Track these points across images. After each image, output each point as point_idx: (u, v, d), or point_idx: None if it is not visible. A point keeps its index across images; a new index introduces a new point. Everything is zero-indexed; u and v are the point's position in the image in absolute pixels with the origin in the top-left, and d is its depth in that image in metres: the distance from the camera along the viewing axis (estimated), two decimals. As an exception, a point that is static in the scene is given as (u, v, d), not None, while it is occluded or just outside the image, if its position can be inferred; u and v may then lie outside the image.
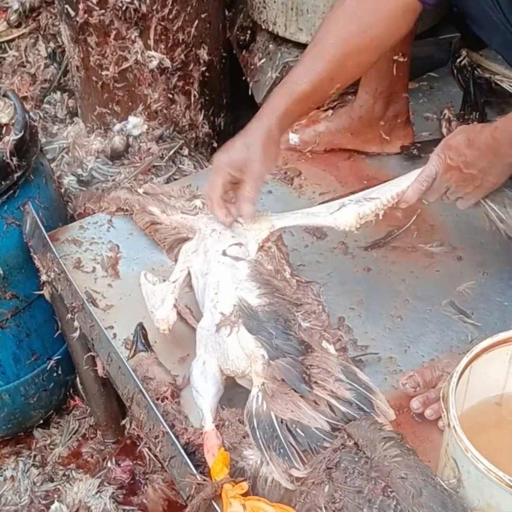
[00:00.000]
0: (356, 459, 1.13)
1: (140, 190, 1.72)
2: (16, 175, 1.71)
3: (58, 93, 2.49)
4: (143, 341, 1.47)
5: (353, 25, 1.42)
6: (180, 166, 2.22)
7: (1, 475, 2.07)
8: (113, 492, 2.00)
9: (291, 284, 1.45)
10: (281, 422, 1.20)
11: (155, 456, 1.85)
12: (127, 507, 1.99)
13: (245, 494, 1.16)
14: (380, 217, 1.46)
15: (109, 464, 2.07)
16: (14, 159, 1.69)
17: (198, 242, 1.49)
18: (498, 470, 1.02)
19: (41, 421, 2.15)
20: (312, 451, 1.17)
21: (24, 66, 2.51)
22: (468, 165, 1.41)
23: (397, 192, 1.46)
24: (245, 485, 1.16)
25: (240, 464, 1.23)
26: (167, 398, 1.36)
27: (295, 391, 1.23)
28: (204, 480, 1.19)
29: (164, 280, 1.55)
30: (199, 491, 1.17)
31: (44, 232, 1.68)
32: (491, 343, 1.18)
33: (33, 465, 2.09)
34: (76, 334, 1.65)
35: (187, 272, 1.49)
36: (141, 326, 1.49)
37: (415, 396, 1.38)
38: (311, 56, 1.45)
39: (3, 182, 1.70)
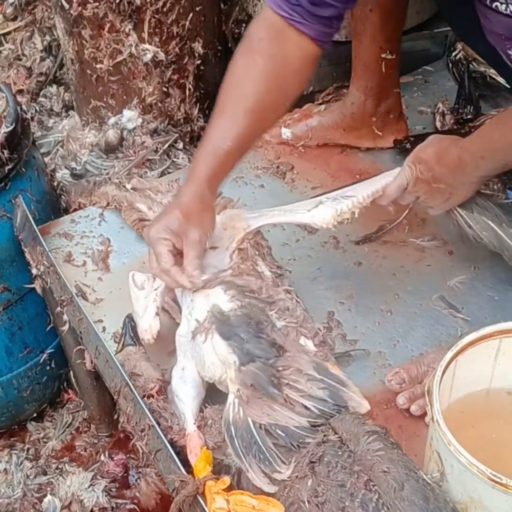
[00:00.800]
0: (340, 453, 1.13)
1: (128, 186, 1.72)
2: (7, 168, 1.72)
3: (54, 86, 2.48)
4: (132, 334, 1.45)
5: (266, 82, 1.40)
6: (174, 159, 2.22)
7: (-6, 468, 2.08)
8: (106, 486, 2.01)
9: (265, 278, 1.43)
10: (260, 427, 1.20)
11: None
12: (119, 501, 2.00)
13: (228, 489, 1.16)
14: (356, 215, 1.47)
15: (102, 458, 2.07)
16: (5, 151, 1.69)
17: None
18: (480, 463, 1.02)
19: (35, 414, 2.15)
20: (295, 448, 1.17)
21: (20, 59, 2.51)
22: (436, 180, 1.45)
23: (372, 191, 1.47)
24: (227, 480, 1.16)
25: (225, 461, 1.23)
26: (153, 396, 1.35)
27: None
28: (187, 477, 1.19)
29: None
30: (182, 489, 1.18)
31: (34, 225, 1.68)
32: (477, 337, 1.18)
33: (26, 458, 2.09)
34: (66, 328, 1.65)
35: None
36: (130, 318, 1.47)
37: (401, 392, 1.38)
38: (229, 117, 1.41)
39: (-6, 175, 1.70)
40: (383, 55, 1.76)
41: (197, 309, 1.35)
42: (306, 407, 1.20)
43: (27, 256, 1.71)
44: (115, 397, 1.43)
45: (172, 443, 1.27)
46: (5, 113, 1.75)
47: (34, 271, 1.70)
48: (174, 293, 1.49)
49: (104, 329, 1.55)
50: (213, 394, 1.36)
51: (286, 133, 1.93)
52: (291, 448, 1.16)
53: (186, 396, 1.30)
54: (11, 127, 1.71)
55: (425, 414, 1.34)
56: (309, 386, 1.22)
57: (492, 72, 2.04)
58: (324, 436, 1.14)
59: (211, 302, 1.35)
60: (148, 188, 1.68)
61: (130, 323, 1.48)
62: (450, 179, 1.45)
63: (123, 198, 1.70)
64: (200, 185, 1.40)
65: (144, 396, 1.35)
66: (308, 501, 1.10)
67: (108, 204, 1.76)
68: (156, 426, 1.29)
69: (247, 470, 1.17)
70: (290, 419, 1.18)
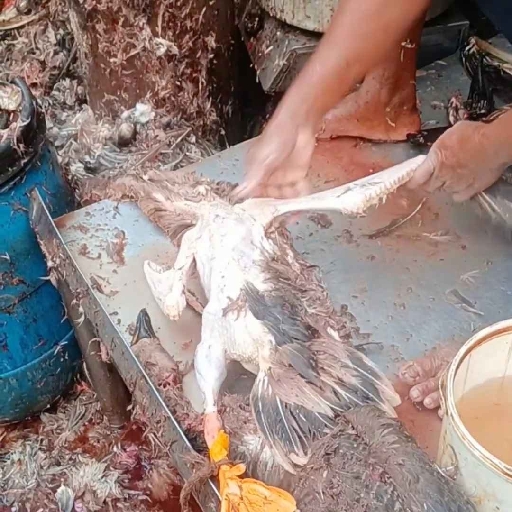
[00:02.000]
0: (355, 445, 1.14)
1: (145, 177, 1.73)
2: (23, 162, 1.72)
3: (67, 80, 2.50)
4: (146, 327, 1.48)
5: (366, 6, 1.42)
6: (187, 153, 2.23)
7: (9, 459, 2.10)
8: (118, 477, 2.03)
9: (294, 268, 1.46)
10: (286, 406, 1.21)
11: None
12: (132, 492, 2.02)
13: (241, 476, 1.18)
14: (383, 201, 1.48)
15: (115, 449, 2.09)
16: (21, 145, 1.70)
17: (202, 228, 1.49)
18: (494, 457, 1.03)
19: (48, 406, 2.17)
20: (313, 436, 1.18)
21: (34, 53, 2.52)
22: (460, 166, 1.48)
23: (399, 177, 1.49)
24: (242, 467, 1.17)
25: (240, 448, 1.24)
26: (169, 384, 1.37)
27: (302, 376, 1.24)
28: (202, 459, 1.20)
29: (169, 267, 1.56)
30: (197, 470, 1.19)
31: (50, 218, 1.69)
32: (490, 331, 1.18)
33: (40, 449, 2.12)
34: (81, 320, 1.66)
35: (193, 258, 1.50)
36: (144, 313, 1.50)
37: (415, 385, 1.39)
38: (327, 43, 1.44)
39: (10, 169, 1.71)
40: (403, 43, 1.76)
41: (230, 287, 1.37)
42: (336, 394, 1.21)
43: (43, 248, 1.72)
44: (130, 389, 1.45)
45: (188, 431, 1.28)
46: (20, 107, 1.76)
47: (49, 263, 1.71)
48: (193, 272, 1.50)
49: (119, 321, 1.56)
50: (231, 383, 1.37)
51: (300, 127, 1.93)
52: (307, 435, 1.17)
53: (209, 376, 1.31)
54: (27, 121, 1.72)
55: (437, 407, 1.35)
56: (343, 373, 1.24)
57: (505, 66, 2.04)
58: (340, 430, 1.14)
59: (246, 279, 1.36)
60: (164, 179, 1.69)
61: (144, 317, 1.50)
62: (472, 165, 1.48)
63: (140, 189, 1.71)
64: (302, 114, 1.43)
65: (159, 384, 1.36)
66: (323, 492, 1.10)
67: (123, 196, 1.77)
68: (172, 417, 1.30)
69: (271, 446, 1.19)
70: (317, 404, 1.20)
